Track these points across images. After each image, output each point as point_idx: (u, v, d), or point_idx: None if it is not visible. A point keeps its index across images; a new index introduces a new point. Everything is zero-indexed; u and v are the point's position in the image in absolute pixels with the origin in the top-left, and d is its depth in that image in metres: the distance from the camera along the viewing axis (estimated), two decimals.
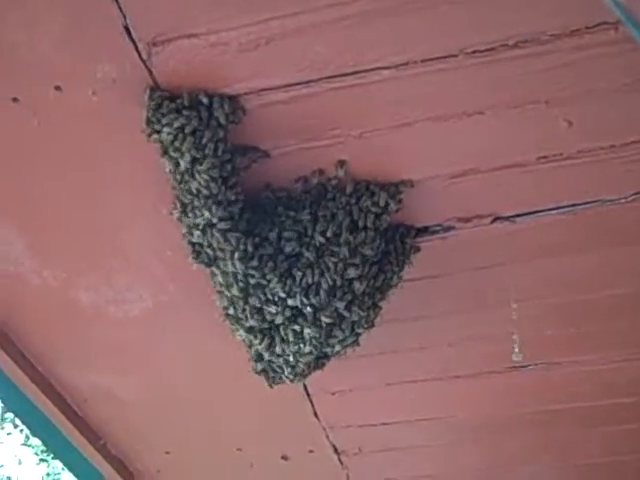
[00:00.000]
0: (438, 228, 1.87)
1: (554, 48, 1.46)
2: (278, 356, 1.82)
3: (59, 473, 12.18)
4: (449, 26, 1.43)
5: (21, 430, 12.02)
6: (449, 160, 1.71)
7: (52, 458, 11.50)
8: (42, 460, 12.34)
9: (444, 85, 1.54)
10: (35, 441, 11.60)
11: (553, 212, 1.83)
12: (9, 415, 11.97)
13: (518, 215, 1.84)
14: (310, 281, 1.70)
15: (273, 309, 1.71)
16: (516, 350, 2.06)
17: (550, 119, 1.60)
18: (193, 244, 1.70)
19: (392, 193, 1.72)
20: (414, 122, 1.62)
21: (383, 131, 1.64)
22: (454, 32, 1.44)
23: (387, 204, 1.72)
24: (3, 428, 12.41)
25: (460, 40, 1.45)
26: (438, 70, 1.50)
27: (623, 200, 1.79)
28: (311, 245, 1.71)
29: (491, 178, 1.74)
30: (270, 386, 1.94)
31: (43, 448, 11.31)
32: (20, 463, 12.28)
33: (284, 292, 1.69)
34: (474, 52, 1.46)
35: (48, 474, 12.45)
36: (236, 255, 1.65)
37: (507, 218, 1.85)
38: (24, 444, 12.32)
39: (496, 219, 1.85)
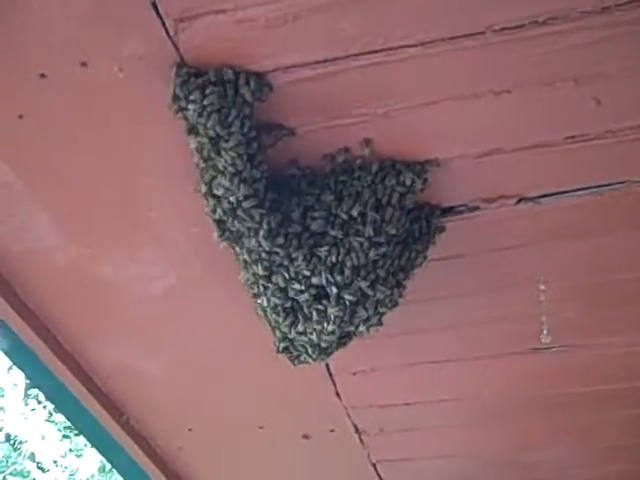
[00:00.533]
0: (463, 208, 1.86)
1: (584, 25, 1.43)
2: (301, 335, 1.82)
3: (82, 449, 12.36)
4: (477, 3, 1.42)
5: (44, 406, 12.21)
6: (475, 139, 1.70)
7: (75, 434, 11.67)
8: (65, 436, 12.53)
9: (471, 63, 1.52)
10: (58, 417, 11.78)
11: (579, 193, 1.81)
12: (33, 391, 12.15)
13: (543, 196, 1.83)
14: (335, 260, 1.70)
15: (297, 287, 1.72)
16: (544, 332, 2.05)
17: (578, 98, 1.58)
18: (218, 222, 1.70)
19: (418, 172, 1.72)
20: (440, 100, 1.60)
21: (409, 109, 1.62)
22: (482, 9, 1.42)
23: (413, 183, 1.72)
24: (27, 404, 12.59)
25: (488, 17, 1.43)
26: (465, 48, 1.48)
27: None
28: (336, 224, 1.71)
29: (517, 158, 1.72)
30: (293, 365, 1.94)
31: (66, 424, 11.48)
32: (43, 439, 12.46)
33: (309, 270, 1.70)
34: (503, 29, 1.44)
35: (71, 450, 12.63)
36: (261, 233, 1.66)
37: (532, 199, 1.83)
38: (47, 420, 12.50)
39: (521, 199, 1.83)
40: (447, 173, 1.76)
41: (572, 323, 2.21)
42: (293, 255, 1.68)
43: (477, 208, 1.85)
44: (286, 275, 1.71)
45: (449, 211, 1.86)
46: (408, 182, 1.71)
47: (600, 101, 1.59)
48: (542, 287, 2.01)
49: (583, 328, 2.24)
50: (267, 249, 1.67)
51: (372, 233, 1.69)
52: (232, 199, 1.61)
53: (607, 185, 1.79)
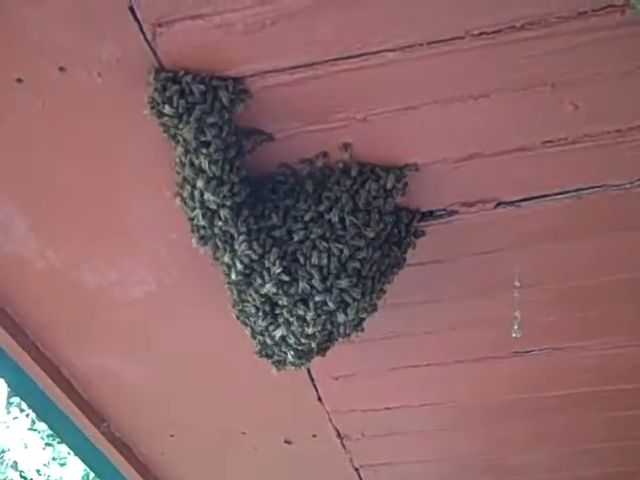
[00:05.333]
0: (442, 212, 1.87)
1: (561, 30, 1.44)
2: (282, 339, 1.82)
3: (65, 457, 12.26)
4: (456, 7, 1.42)
5: (27, 414, 12.10)
6: (454, 144, 1.70)
7: (58, 443, 11.57)
8: (48, 444, 12.42)
9: (450, 68, 1.52)
10: (41, 425, 11.68)
11: (558, 197, 1.82)
12: (15, 399, 12.05)
13: (522, 200, 1.84)
14: (314, 264, 1.70)
15: (276, 292, 1.71)
16: (515, 327, 2.05)
17: (556, 102, 1.59)
18: (196, 227, 1.70)
19: (397, 177, 1.72)
20: (419, 105, 1.61)
21: (388, 114, 1.63)
22: (461, 13, 1.43)
23: (392, 188, 1.72)
24: (9, 412, 12.48)
25: (467, 22, 1.44)
26: (444, 52, 1.49)
27: (628, 185, 1.79)
28: (315, 229, 1.71)
29: (495, 162, 1.73)
30: (277, 370, 1.94)
31: (49, 432, 11.37)
32: (26, 447, 12.35)
33: (287, 275, 1.69)
34: (480, 34, 1.45)
35: (54, 458, 12.53)
36: (239, 238, 1.66)
37: (511, 203, 1.84)
38: (30, 428, 12.40)
39: (500, 204, 1.84)
40: (426, 177, 1.76)
41: (552, 326, 2.22)
42: (272, 260, 1.68)
43: (456, 212, 1.86)
44: (265, 280, 1.70)
45: (428, 215, 1.87)
46: (388, 186, 1.72)
47: (577, 106, 1.60)
48: (519, 285, 2.01)
49: (563, 331, 2.26)
50: (245, 254, 1.67)
51: (351, 238, 1.70)
52: (210, 204, 1.61)
53: (585, 189, 1.80)
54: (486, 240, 1.94)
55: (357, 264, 1.72)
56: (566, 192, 1.81)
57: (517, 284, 2.04)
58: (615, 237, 1.93)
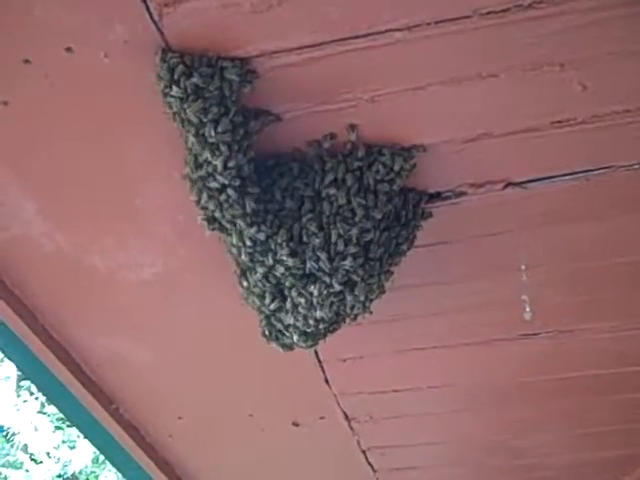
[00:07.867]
0: (450, 194, 1.86)
1: (570, 9, 1.43)
2: (289, 321, 1.82)
3: (75, 441, 12.36)
4: None
5: (37, 398, 12.19)
6: (462, 124, 1.69)
7: (68, 426, 11.66)
8: (58, 428, 12.52)
9: (458, 47, 1.51)
10: (51, 409, 11.77)
11: (566, 178, 1.81)
12: (25, 383, 12.13)
13: (531, 181, 1.83)
14: (322, 246, 1.70)
15: (283, 273, 1.71)
16: (527, 309, 2.05)
17: (565, 83, 1.58)
18: (204, 208, 1.70)
19: (404, 157, 1.71)
20: (427, 85, 1.60)
21: (395, 95, 1.62)
22: None
23: (399, 169, 1.71)
24: (20, 395, 12.57)
25: (474, 0, 1.43)
26: (451, 32, 1.48)
27: (637, 166, 1.78)
28: (322, 210, 1.71)
29: (504, 143, 1.72)
30: (282, 352, 1.94)
31: (59, 416, 11.46)
32: (36, 430, 12.45)
33: (295, 257, 1.69)
34: (488, 13, 1.44)
35: (64, 441, 12.62)
36: (247, 219, 1.65)
37: (519, 184, 1.83)
38: (40, 412, 12.49)
39: (508, 185, 1.83)
40: (434, 158, 1.75)
41: (560, 309, 2.22)
42: (279, 241, 1.68)
43: (464, 194, 1.85)
44: (272, 261, 1.70)
45: (436, 197, 1.86)
46: (395, 168, 1.71)
47: (586, 86, 1.59)
48: (525, 268, 2.01)
49: (571, 314, 2.25)
50: (253, 235, 1.67)
51: (359, 219, 1.69)
52: (218, 185, 1.61)
53: (593, 170, 1.79)
54: (494, 221, 1.94)
55: (365, 246, 1.72)
56: (575, 173, 1.80)
57: (524, 266, 2.04)
58: (623, 218, 1.92)
